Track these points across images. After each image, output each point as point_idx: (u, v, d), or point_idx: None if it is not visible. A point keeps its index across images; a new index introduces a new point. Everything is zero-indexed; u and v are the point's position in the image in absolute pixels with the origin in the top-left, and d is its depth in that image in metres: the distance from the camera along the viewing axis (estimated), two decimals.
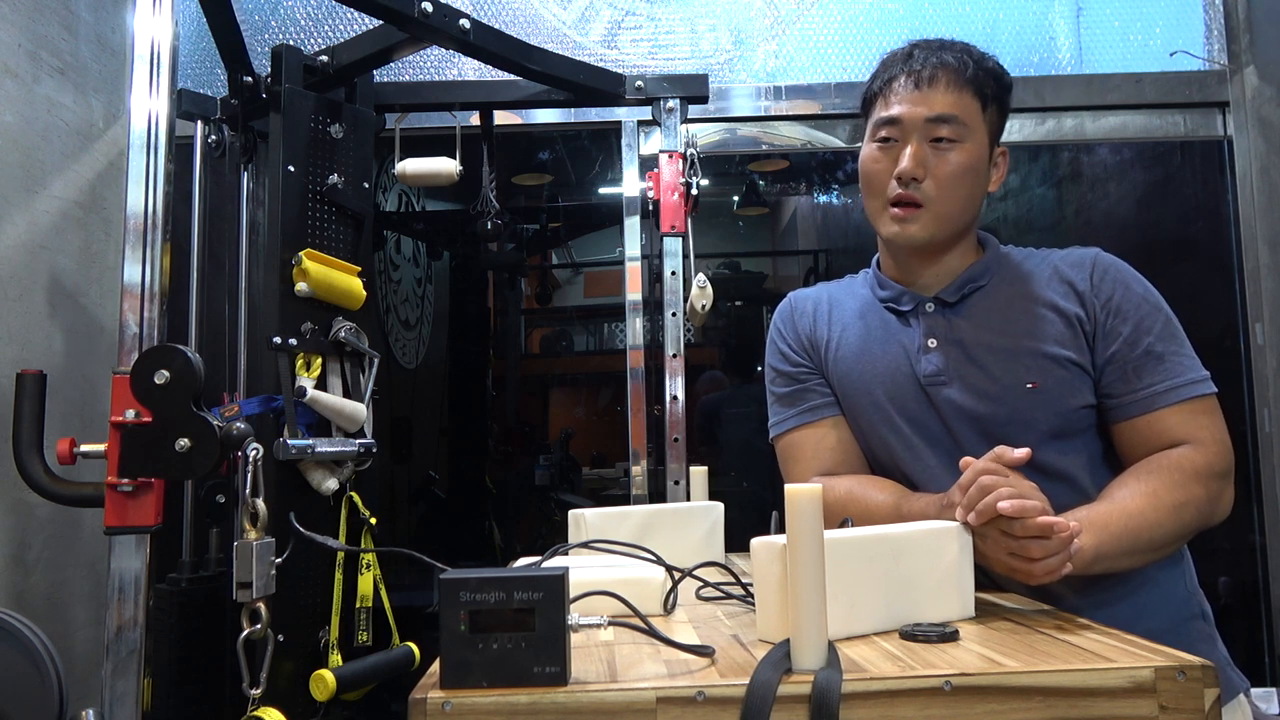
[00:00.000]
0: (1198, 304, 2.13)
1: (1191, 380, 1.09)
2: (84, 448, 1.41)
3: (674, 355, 1.89)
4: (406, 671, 1.64)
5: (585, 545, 1.12)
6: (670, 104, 1.93)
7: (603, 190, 3.59)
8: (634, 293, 2.13)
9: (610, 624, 0.80)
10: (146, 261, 1.44)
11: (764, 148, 2.31)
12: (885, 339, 1.23)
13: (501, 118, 2.11)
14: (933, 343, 1.18)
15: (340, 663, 1.58)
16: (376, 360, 1.72)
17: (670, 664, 0.78)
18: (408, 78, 2.22)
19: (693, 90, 1.95)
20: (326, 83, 1.72)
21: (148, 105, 1.46)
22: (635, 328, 2.13)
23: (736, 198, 4.27)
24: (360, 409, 1.66)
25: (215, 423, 1.33)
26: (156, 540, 1.44)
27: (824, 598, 0.74)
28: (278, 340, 1.57)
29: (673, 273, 1.90)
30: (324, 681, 1.47)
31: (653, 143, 2.21)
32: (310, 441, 1.56)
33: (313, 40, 2.24)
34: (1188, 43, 2.24)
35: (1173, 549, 1.08)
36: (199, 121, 1.91)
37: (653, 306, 2.24)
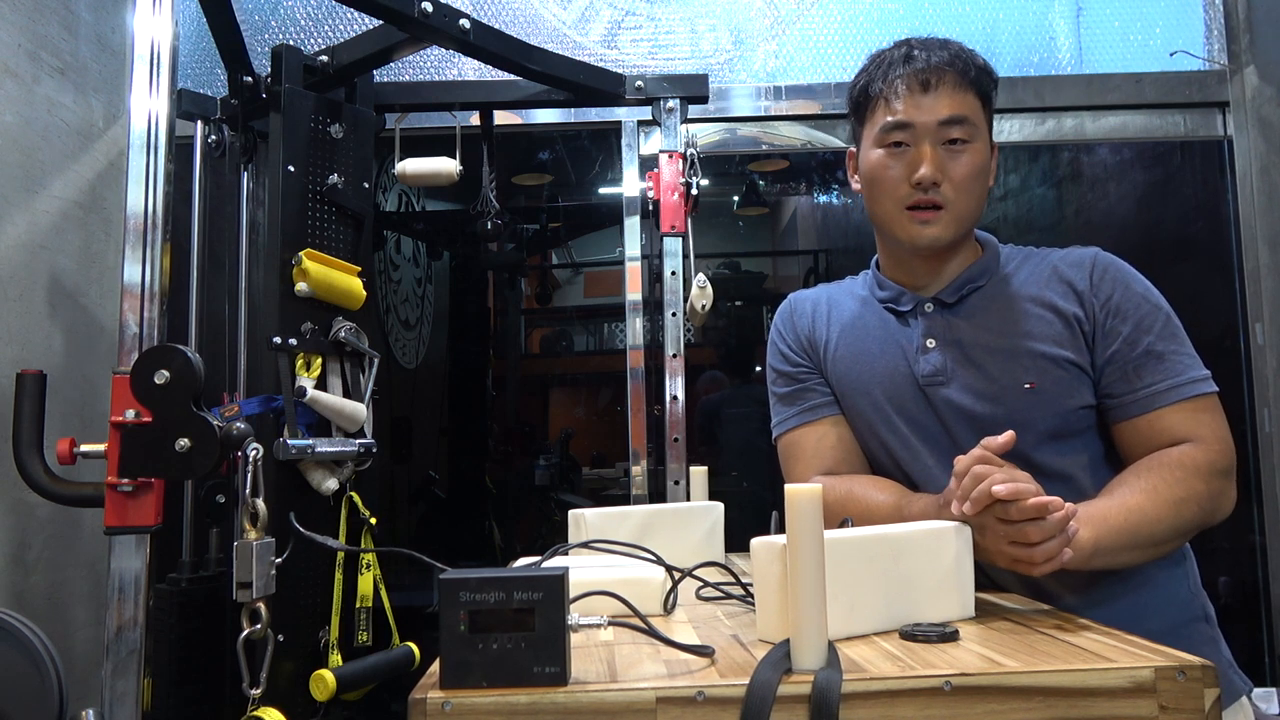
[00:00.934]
0: (1198, 304, 2.13)
1: (1192, 379, 1.09)
2: (84, 448, 1.41)
3: (674, 355, 1.89)
4: (406, 671, 1.64)
5: (585, 545, 1.12)
6: (670, 104, 1.93)
7: (603, 190, 3.59)
8: (634, 293, 2.13)
9: (610, 624, 0.80)
10: (146, 261, 1.44)
11: (764, 148, 2.31)
12: (884, 339, 1.23)
13: (501, 118, 2.11)
14: (931, 343, 1.18)
15: (340, 663, 1.58)
16: (376, 360, 1.72)
17: (670, 664, 0.78)
18: (408, 78, 2.22)
19: (693, 90, 1.95)
20: (326, 83, 1.72)
21: (148, 105, 1.46)
22: (635, 328, 2.13)
23: (736, 198, 4.27)
24: (360, 409, 1.66)
25: (215, 423, 1.33)
26: (156, 540, 1.44)
27: (824, 598, 0.74)
28: (278, 340, 1.57)
29: (673, 273, 1.90)
30: (324, 681, 1.47)
31: (653, 143, 2.21)
32: (310, 441, 1.56)
33: (313, 40, 2.24)
34: (1188, 43, 2.24)
35: (1173, 546, 1.08)
36: (199, 121, 1.91)
37: (653, 306, 2.24)
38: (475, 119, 1.98)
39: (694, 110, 2.01)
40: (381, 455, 1.72)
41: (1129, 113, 2.26)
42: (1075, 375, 1.12)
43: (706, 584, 1.08)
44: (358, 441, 1.64)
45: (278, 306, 1.59)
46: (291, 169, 1.63)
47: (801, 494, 0.74)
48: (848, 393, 1.24)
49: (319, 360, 1.63)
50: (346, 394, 1.68)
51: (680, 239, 1.89)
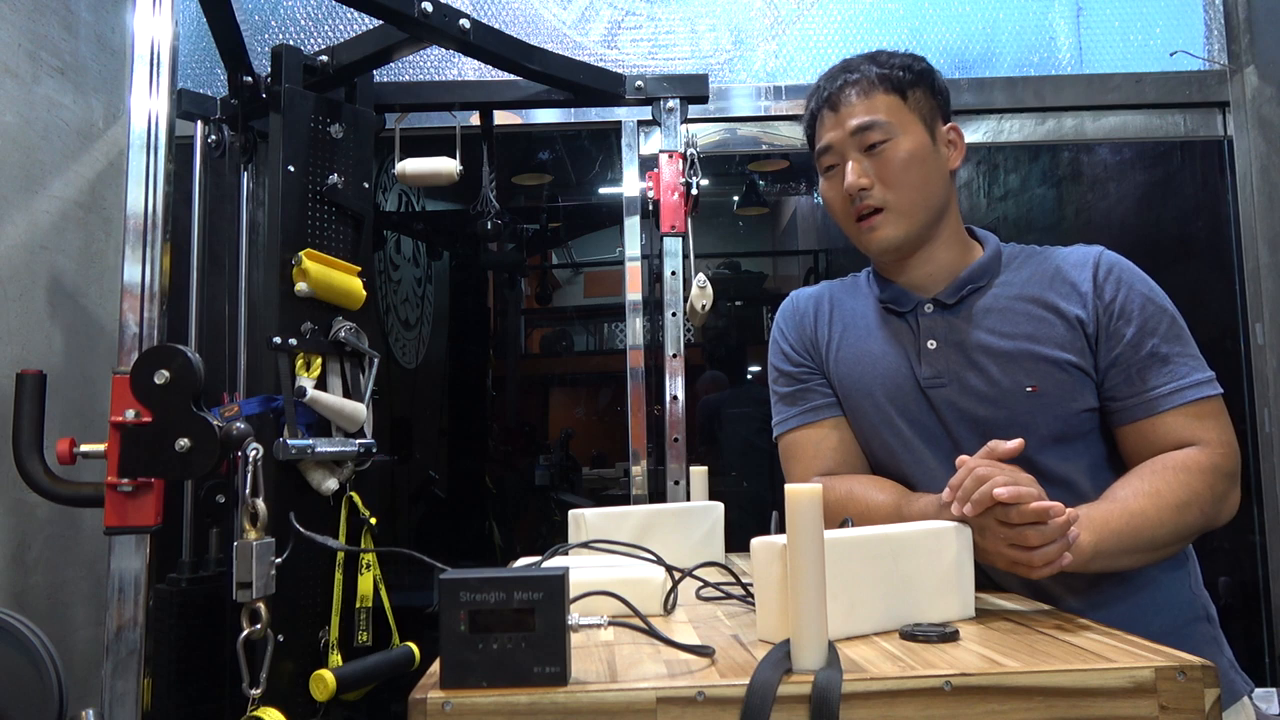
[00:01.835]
0: (1198, 304, 2.13)
1: (1197, 382, 1.09)
2: (84, 448, 1.41)
3: (674, 355, 1.89)
4: (406, 671, 1.64)
5: (585, 545, 1.12)
6: (670, 104, 1.93)
7: (603, 190, 3.60)
8: (634, 293, 2.13)
9: (610, 624, 0.80)
10: (146, 261, 1.44)
11: (764, 148, 2.31)
12: (885, 340, 1.23)
13: (501, 118, 2.11)
14: (932, 344, 1.18)
15: (340, 663, 1.58)
16: (376, 360, 1.72)
17: (670, 664, 0.78)
18: (408, 78, 2.22)
19: (693, 90, 1.95)
20: (326, 83, 1.72)
21: (148, 105, 1.46)
22: (635, 328, 2.13)
23: (736, 198, 4.28)
24: (360, 409, 1.66)
25: (215, 423, 1.33)
26: (156, 540, 1.44)
27: (824, 598, 0.74)
28: (278, 340, 1.57)
29: (673, 273, 1.90)
30: (324, 681, 1.47)
31: (653, 143, 2.21)
32: (310, 441, 1.56)
33: (313, 40, 2.24)
34: (1188, 43, 2.24)
35: (1175, 549, 1.08)
36: (199, 121, 1.91)
37: (653, 306, 2.24)
38: (475, 119, 1.98)
39: (694, 110, 2.02)
40: (381, 455, 1.72)
41: (1129, 113, 2.26)
42: (1078, 378, 1.12)
43: (706, 584, 1.08)
44: (358, 441, 1.64)
45: (278, 306, 1.59)
46: (291, 169, 1.63)
47: (801, 494, 0.74)
48: (849, 393, 1.24)
49: (319, 360, 1.63)
50: (346, 394, 1.68)
51: (680, 239, 1.89)
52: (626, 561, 1.04)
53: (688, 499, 1.77)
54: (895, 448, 1.20)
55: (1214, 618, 1.15)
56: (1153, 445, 1.09)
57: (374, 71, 1.83)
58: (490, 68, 1.87)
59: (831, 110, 1.21)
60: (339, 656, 1.60)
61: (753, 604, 0.93)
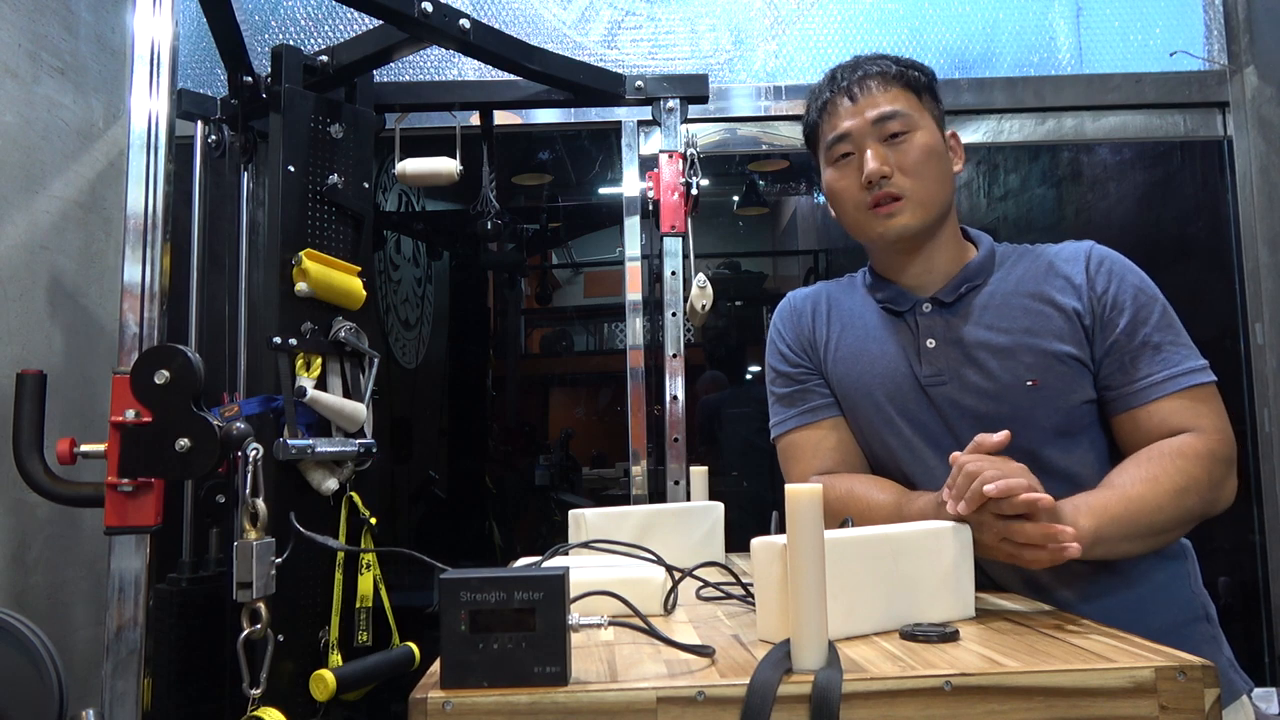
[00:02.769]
0: (1198, 304, 2.13)
1: (1190, 369, 1.10)
2: (84, 448, 1.41)
3: (674, 355, 1.89)
4: (406, 671, 1.64)
5: (585, 545, 1.12)
6: (670, 104, 1.93)
7: (603, 190, 3.59)
8: (634, 293, 2.13)
9: (610, 624, 0.80)
10: (146, 261, 1.44)
11: (764, 148, 2.31)
12: (884, 339, 1.23)
13: (501, 118, 2.11)
14: (931, 343, 1.18)
15: (340, 663, 1.58)
16: (376, 360, 1.72)
17: (670, 664, 0.78)
18: (408, 78, 2.22)
19: (693, 90, 1.95)
20: (326, 83, 1.72)
21: (148, 105, 1.46)
22: (635, 328, 2.13)
23: (736, 198, 4.28)
24: (360, 409, 1.66)
25: (215, 423, 1.33)
26: (156, 540, 1.44)
27: (824, 598, 0.74)
28: (278, 340, 1.57)
29: (673, 273, 1.90)
30: (324, 681, 1.47)
31: (653, 143, 2.21)
32: (310, 441, 1.56)
33: (313, 40, 2.24)
34: (1188, 43, 2.24)
35: (1175, 535, 1.08)
36: (199, 121, 1.91)
37: (653, 306, 2.24)
38: (475, 119, 1.98)
39: (694, 110, 2.02)
40: (381, 455, 1.72)
41: (1129, 113, 2.26)
42: (1077, 370, 1.12)
43: (707, 584, 1.08)
44: (358, 441, 1.64)
45: (278, 306, 1.59)
46: (291, 169, 1.63)
47: (801, 494, 0.74)
48: (848, 393, 1.24)
49: (319, 360, 1.63)
50: (346, 394, 1.68)
51: (680, 239, 1.89)
52: (626, 561, 1.04)
53: (688, 499, 1.77)
54: (895, 447, 1.20)
55: (1213, 617, 1.16)
56: (1148, 433, 1.09)
57: (374, 71, 1.83)
58: (490, 68, 1.87)
59: (850, 100, 1.21)
60: (339, 656, 1.60)
61: (753, 604, 0.93)
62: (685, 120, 1.95)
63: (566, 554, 1.11)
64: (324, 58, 1.70)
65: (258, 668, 1.38)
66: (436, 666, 0.74)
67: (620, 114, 2.20)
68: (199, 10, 1.71)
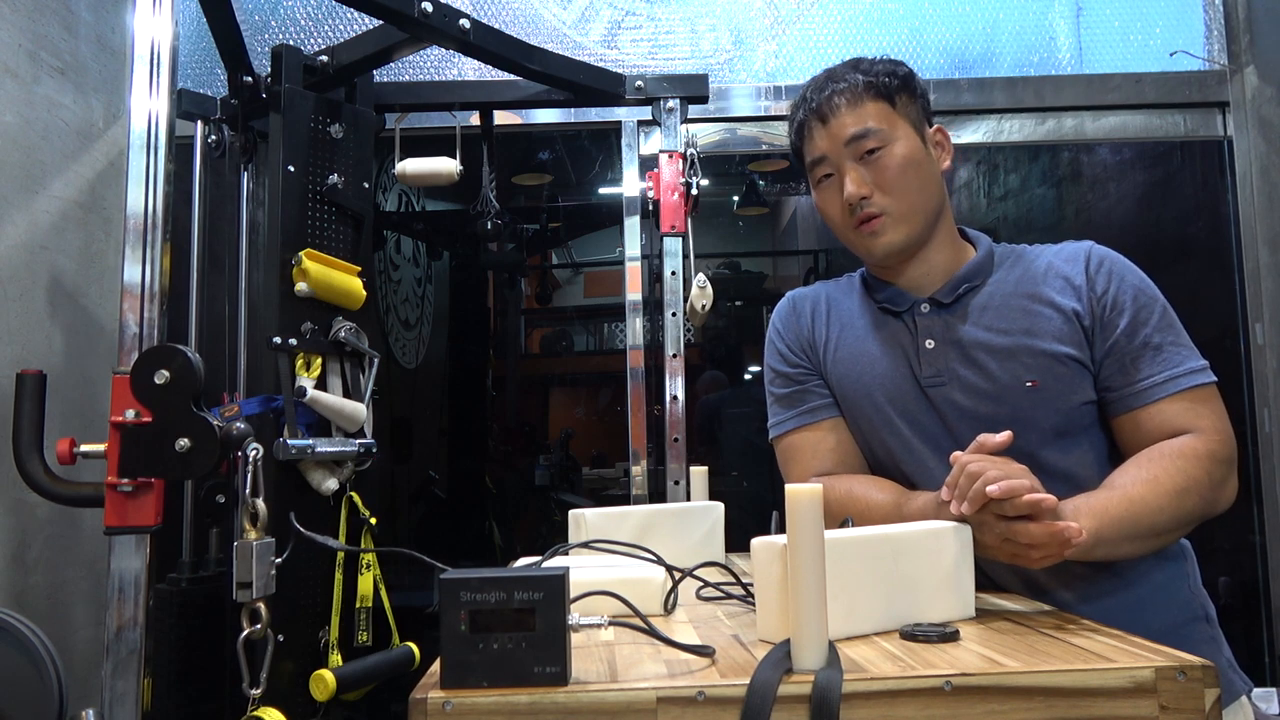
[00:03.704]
0: (1198, 304, 2.13)
1: (1190, 370, 1.10)
2: (84, 448, 1.41)
3: (674, 355, 1.89)
4: (406, 671, 1.64)
5: (585, 545, 1.12)
6: (670, 104, 1.93)
7: (603, 190, 3.59)
8: (634, 293, 2.13)
9: (610, 624, 0.80)
10: (146, 261, 1.44)
11: (764, 148, 2.31)
12: (883, 341, 1.23)
13: (501, 118, 2.11)
14: (930, 344, 1.18)
15: (340, 663, 1.58)
16: (376, 360, 1.72)
17: (670, 664, 0.78)
18: (408, 78, 2.22)
19: (693, 90, 1.95)
20: (326, 83, 1.72)
21: (148, 105, 1.46)
22: (635, 328, 2.13)
23: (736, 198, 4.27)
24: (360, 409, 1.66)
25: (215, 423, 1.33)
26: (156, 540, 1.44)
27: (824, 598, 0.74)
28: (278, 340, 1.57)
29: (673, 273, 1.90)
30: (324, 681, 1.47)
31: (653, 143, 2.21)
32: (310, 441, 1.56)
33: (313, 40, 2.24)
34: (1188, 43, 2.24)
35: (1175, 536, 1.08)
36: (199, 121, 1.91)
37: (653, 306, 2.24)
38: (475, 119, 1.98)
39: (694, 110, 2.01)
40: (381, 455, 1.72)
41: (1129, 113, 2.26)
42: (1077, 371, 1.12)
43: (707, 584, 1.08)
44: (358, 441, 1.64)
45: (278, 306, 1.59)
46: (291, 169, 1.63)
47: (802, 494, 0.74)
48: (848, 394, 1.24)
49: (319, 360, 1.63)
50: (346, 394, 1.68)
51: (680, 239, 1.89)
52: (627, 561, 1.04)
53: (688, 499, 1.77)
54: (894, 448, 1.20)
55: (1213, 617, 1.16)
56: (1149, 434, 1.09)
57: (374, 71, 1.83)
58: (490, 68, 1.87)
59: (820, 122, 1.21)
60: (339, 656, 1.60)
61: (753, 604, 0.93)
62: (685, 120, 1.95)
63: (566, 554, 1.11)
64: (324, 58, 1.70)
65: (258, 668, 1.38)
66: (436, 666, 0.74)
67: (620, 114, 2.20)
68: (199, 10, 1.71)
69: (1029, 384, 1.12)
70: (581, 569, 0.98)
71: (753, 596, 0.93)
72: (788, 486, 0.74)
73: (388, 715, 1.83)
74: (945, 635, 0.83)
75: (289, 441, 1.53)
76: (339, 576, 1.63)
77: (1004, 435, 0.98)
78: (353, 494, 1.66)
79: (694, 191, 1.89)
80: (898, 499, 1.14)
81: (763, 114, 2.25)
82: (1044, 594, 1.09)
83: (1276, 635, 2.11)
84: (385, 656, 1.63)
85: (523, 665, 0.71)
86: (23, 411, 1.53)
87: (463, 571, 0.75)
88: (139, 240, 1.44)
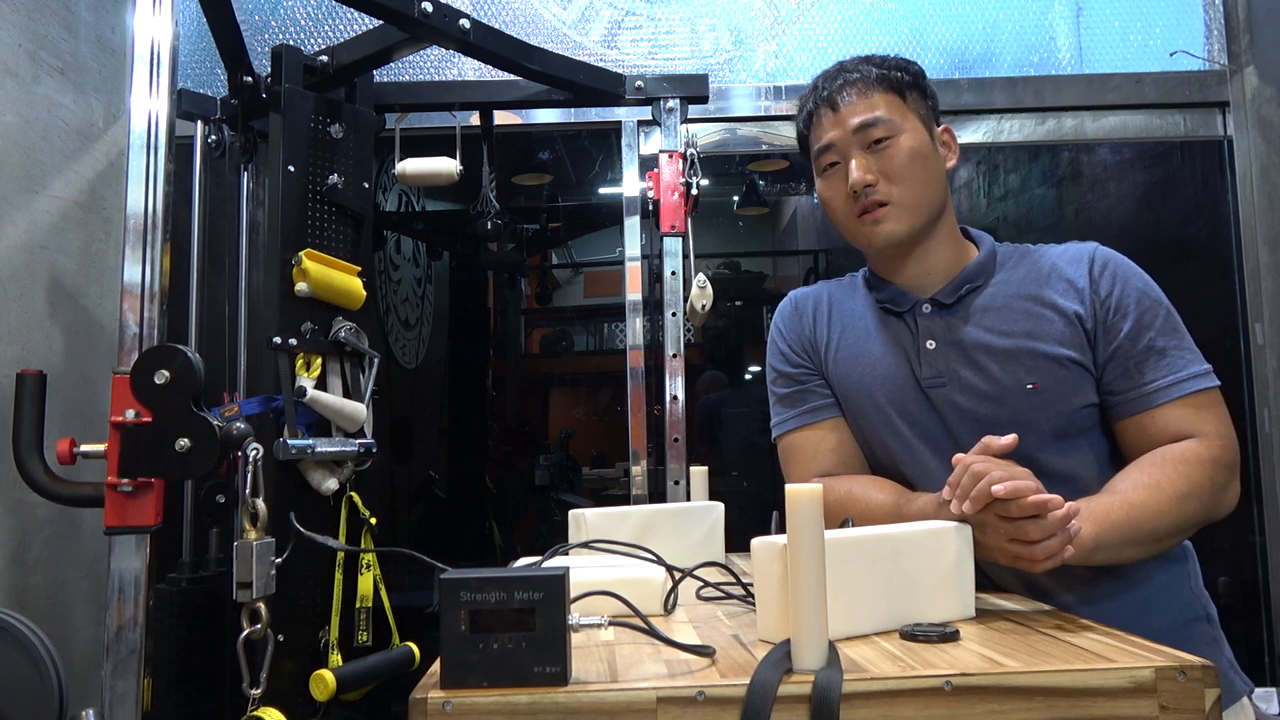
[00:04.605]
0: (1198, 304, 2.13)
1: (1194, 374, 1.09)
2: (84, 448, 1.41)
3: (674, 355, 1.89)
4: (406, 671, 1.64)
5: (585, 545, 1.12)
6: (670, 104, 1.93)
7: (603, 190, 3.59)
8: (634, 293, 2.13)
9: (611, 624, 0.80)
10: (146, 261, 1.44)
11: (764, 148, 2.31)
12: (884, 341, 1.23)
13: (501, 118, 2.11)
14: (931, 344, 1.18)
15: (340, 663, 1.58)
16: (376, 360, 1.72)
17: (670, 664, 0.78)
18: (408, 78, 2.22)
19: (693, 90, 1.95)
20: (326, 83, 1.72)
21: (148, 105, 1.46)
22: (635, 328, 2.13)
23: (736, 198, 4.27)
24: (360, 409, 1.66)
25: (215, 423, 1.33)
26: (156, 540, 1.44)
27: (824, 598, 0.74)
28: (278, 340, 1.57)
29: (673, 273, 1.90)
30: (324, 681, 1.47)
31: (653, 143, 2.21)
32: (310, 441, 1.56)
33: (313, 40, 2.24)
34: (1188, 43, 2.24)
35: (1176, 541, 1.08)
36: (199, 121, 1.91)
37: (653, 306, 2.24)
38: (475, 119, 1.98)
39: (694, 110, 2.01)
40: (381, 455, 1.72)
41: (1129, 113, 2.26)
42: (1078, 374, 1.12)
43: (707, 584, 1.08)
44: (358, 441, 1.64)
45: (278, 306, 1.59)
46: (291, 169, 1.63)
47: (802, 494, 0.74)
48: (849, 394, 1.24)
49: (319, 360, 1.63)
50: (346, 394, 1.68)
51: (680, 239, 1.89)
52: (627, 561, 1.04)
53: (688, 499, 1.77)
54: (895, 448, 1.20)
55: (1214, 618, 1.16)
56: (1152, 438, 1.09)
57: (374, 71, 1.83)
58: (490, 68, 1.87)
59: (831, 109, 1.21)
60: (339, 656, 1.60)
61: (753, 604, 0.93)
62: (685, 120, 1.95)
63: (566, 554, 1.11)
64: (324, 58, 1.70)
65: (258, 668, 1.38)
66: (436, 666, 0.74)
67: (620, 114, 2.20)
68: (199, 10, 1.71)
69: (1030, 386, 1.12)
70: (581, 569, 0.98)
71: (753, 596, 0.93)
72: (788, 486, 0.74)
73: (388, 715, 1.83)
74: (945, 635, 0.83)
75: (289, 441, 1.53)
76: (339, 576, 1.63)
77: (1009, 438, 0.98)
78: (353, 494, 1.66)
79: (694, 191, 1.89)
80: (898, 499, 1.13)
81: (763, 114, 2.25)
82: (1044, 595, 1.09)
83: (1277, 636, 2.11)
84: (385, 656, 1.63)
85: (523, 665, 0.71)
86: (23, 411, 1.53)
87: (463, 571, 0.75)
88: (139, 240, 1.44)
